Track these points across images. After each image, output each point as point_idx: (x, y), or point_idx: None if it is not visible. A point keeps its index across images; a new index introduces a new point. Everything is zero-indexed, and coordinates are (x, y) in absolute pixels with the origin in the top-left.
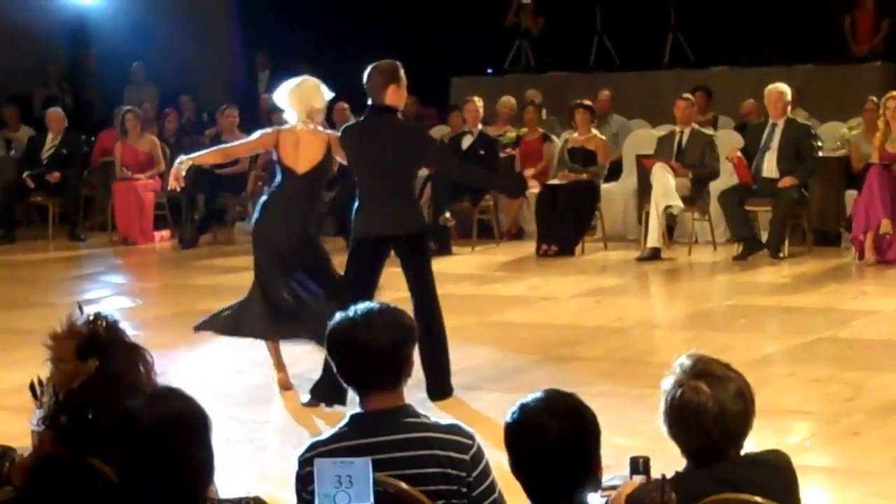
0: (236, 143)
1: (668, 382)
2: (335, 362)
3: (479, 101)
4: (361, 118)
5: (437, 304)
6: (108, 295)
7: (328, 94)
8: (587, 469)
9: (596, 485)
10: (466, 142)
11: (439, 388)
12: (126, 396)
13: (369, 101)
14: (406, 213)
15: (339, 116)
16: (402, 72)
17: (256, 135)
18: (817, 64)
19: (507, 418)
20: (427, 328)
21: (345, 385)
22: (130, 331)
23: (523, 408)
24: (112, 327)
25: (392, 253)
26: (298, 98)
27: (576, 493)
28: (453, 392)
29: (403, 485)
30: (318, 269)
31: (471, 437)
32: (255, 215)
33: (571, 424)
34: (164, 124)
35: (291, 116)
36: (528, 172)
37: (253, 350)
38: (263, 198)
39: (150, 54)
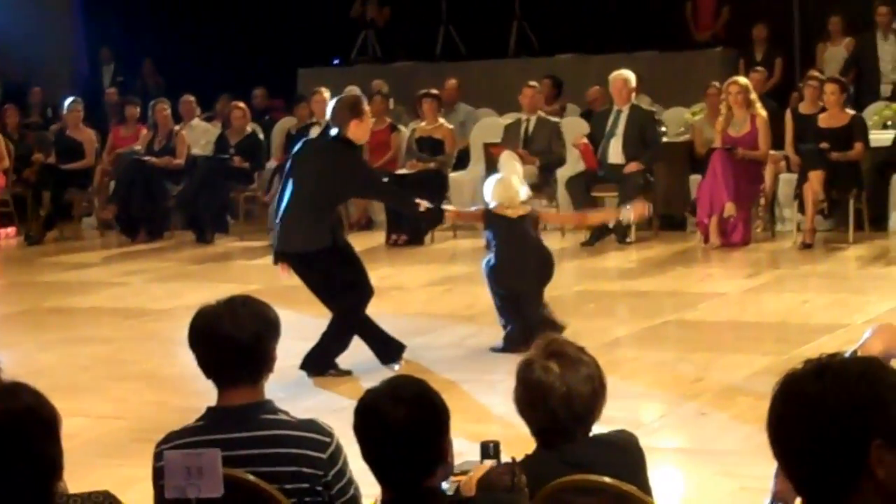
0: None
1: (522, 361)
2: (196, 353)
3: (326, 93)
4: (320, 135)
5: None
6: None
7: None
8: (435, 455)
9: (447, 471)
10: (314, 133)
11: (314, 362)
12: None
13: (333, 131)
14: (308, 232)
15: (185, 108)
16: (365, 105)
17: None
18: (660, 50)
19: (356, 405)
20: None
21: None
22: None
23: (370, 394)
24: None
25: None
26: None
27: (425, 478)
28: (324, 374)
29: (252, 477)
30: None
31: (328, 434)
32: None
33: (417, 410)
34: (4, 120)
35: None
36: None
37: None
38: None
39: None
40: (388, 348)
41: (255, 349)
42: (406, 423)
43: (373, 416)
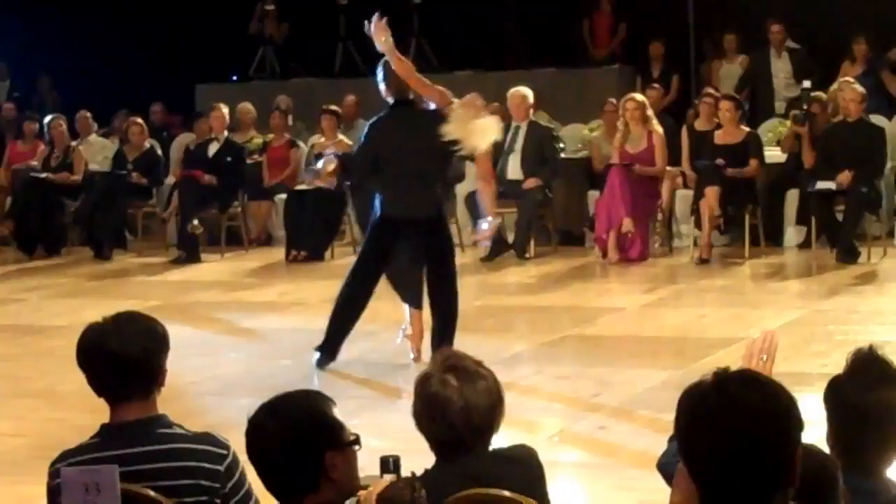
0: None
1: (420, 375)
2: (85, 372)
3: (224, 108)
4: (387, 112)
5: (453, 284)
6: None
7: None
8: (313, 471)
9: (338, 488)
10: (213, 149)
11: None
12: None
13: (391, 99)
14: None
15: (82, 124)
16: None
17: None
18: (558, 67)
19: None
20: (445, 306)
21: None
22: None
23: (257, 409)
24: None
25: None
26: None
27: (306, 495)
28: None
29: (152, 493)
30: None
31: (225, 446)
32: None
33: (290, 425)
34: None
35: None
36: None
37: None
38: None
39: None
40: (328, 344)
41: (145, 364)
42: (273, 437)
43: (250, 430)
